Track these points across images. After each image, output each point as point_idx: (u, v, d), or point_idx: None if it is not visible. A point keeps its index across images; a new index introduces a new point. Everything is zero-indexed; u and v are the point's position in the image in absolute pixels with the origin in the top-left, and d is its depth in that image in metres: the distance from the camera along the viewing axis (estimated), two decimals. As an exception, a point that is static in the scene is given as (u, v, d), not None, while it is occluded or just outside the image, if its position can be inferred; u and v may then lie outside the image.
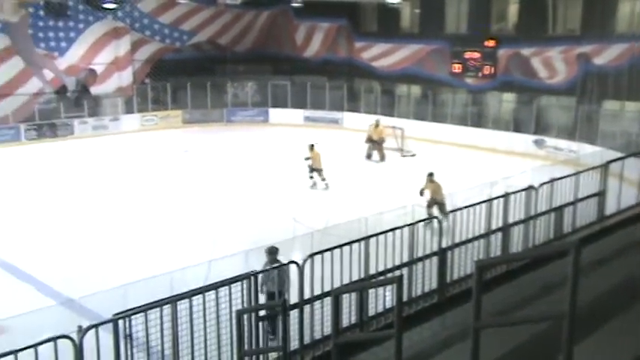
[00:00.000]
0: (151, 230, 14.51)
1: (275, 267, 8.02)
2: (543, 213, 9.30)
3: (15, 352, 5.18)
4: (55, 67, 29.53)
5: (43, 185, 19.17)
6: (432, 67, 29.02)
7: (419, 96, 30.53)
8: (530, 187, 9.13)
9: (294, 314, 6.70)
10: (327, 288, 6.92)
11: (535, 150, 24.06)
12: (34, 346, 5.25)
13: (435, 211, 13.99)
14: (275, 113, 32.47)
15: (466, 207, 8.29)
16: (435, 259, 7.82)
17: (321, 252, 7.02)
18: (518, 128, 25.59)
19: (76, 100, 29.97)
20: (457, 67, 27.84)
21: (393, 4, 28.66)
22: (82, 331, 5.50)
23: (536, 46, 25.40)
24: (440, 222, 7.95)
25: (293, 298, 7.00)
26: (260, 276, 7.19)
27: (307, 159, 19.01)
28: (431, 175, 15.07)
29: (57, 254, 12.88)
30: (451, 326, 6.72)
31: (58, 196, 17.84)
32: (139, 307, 5.97)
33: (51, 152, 25.04)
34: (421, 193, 14.80)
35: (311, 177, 18.92)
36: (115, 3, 29.67)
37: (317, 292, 6.96)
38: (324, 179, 18.87)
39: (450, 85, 28.53)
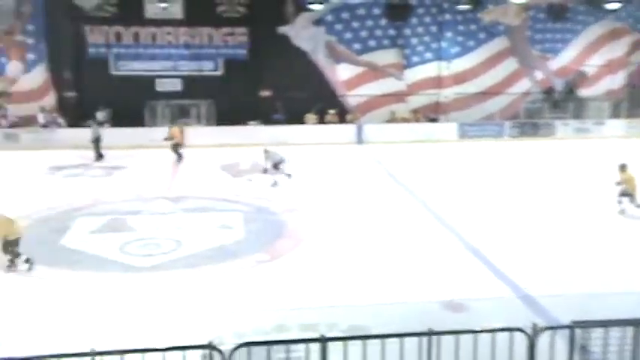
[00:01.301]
0: (608, 241, 13.48)
1: None
2: None
3: (473, 332, 5.47)
4: (547, 69, 30.20)
5: (519, 180, 19.82)
6: None
7: None
8: None
9: None
10: None
11: None
12: (491, 331, 5.47)
13: None
14: None
15: None
16: None
17: None
18: None
19: (560, 101, 30.08)
20: None
21: None
22: (538, 330, 5.46)
23: None
24: None
25: None
26: None
27: (619, 184, 15.34)
28: None
29: (522, 248, 13.11)
30: None
31: (535, 192, 18.17)
32: (600, 320, 5.60)
33: (530, 150, 25.72)
34: None
35: (620, 202, 15.38)
36: (619, 2, 28.38)
37: None
38: (638, 204, 15.19)
39: None
